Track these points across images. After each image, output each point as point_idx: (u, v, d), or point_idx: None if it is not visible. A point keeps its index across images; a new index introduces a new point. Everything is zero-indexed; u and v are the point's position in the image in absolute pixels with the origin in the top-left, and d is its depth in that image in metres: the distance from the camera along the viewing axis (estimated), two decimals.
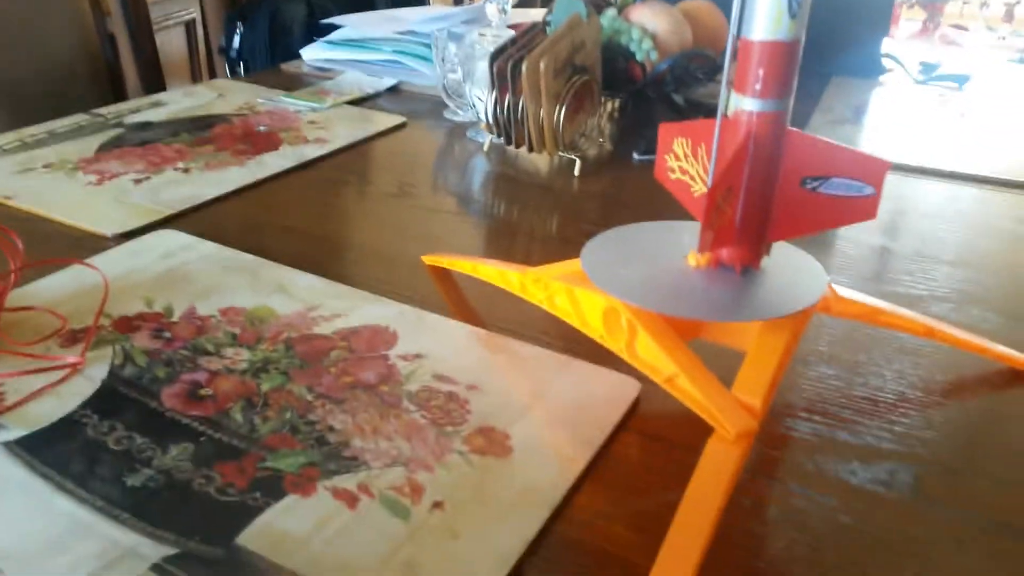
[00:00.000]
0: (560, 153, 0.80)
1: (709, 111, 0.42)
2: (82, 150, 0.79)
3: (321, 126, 0.90)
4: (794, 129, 0.39)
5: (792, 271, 0.43)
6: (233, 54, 1.21)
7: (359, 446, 0.40)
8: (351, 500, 0.36)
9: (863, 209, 0.39)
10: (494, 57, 0.78)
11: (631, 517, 0.37)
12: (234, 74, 1.24)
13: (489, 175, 0.82)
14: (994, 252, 0.67)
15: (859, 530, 0.37)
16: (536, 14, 1.15)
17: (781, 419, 0.44)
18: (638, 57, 0.79)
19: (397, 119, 0.94)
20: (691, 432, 0.39)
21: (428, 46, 1.11)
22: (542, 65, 0.74)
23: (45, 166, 0.75)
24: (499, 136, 0.82)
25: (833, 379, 0.48)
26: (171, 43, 2.10)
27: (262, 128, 0.88)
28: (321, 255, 0.62)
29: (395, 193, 0.76)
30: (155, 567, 0.32)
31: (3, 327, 0.48)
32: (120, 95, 1.20)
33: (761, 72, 0.37)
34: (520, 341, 0.50)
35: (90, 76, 1.15)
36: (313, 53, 1.16)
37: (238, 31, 1.20)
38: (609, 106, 0.81)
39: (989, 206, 0.77)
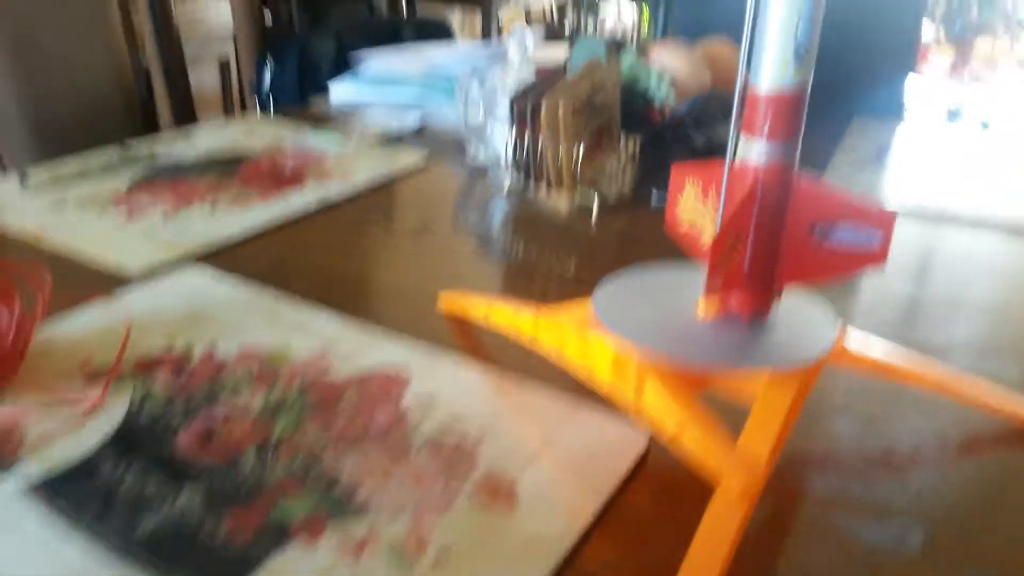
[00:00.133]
0: (578, 195, 0.80)
1: (726, 153, 0.42)
2: (114, 185, 0.82)
3: (345, 164, 0.92)
4: (803, 176, 0.39)
5: (804, 320, 0.43)
6: (264, 91, 1.24)
7: (367, 493, 0.40)
8: (356, 549, 0.37)
9: (872, 259, 0.39)
10: (514, 99, 0.79)
11: (638, 569, 0.37)
12: (264, 111, 1.27)
13: (509, 215, 0.83)
14: (1016, 302, 0.66)
15: None
16: (560, 52, 1.17)
17: (792, 472, 0.44)
18: (656, 100, 0.79)
19: (420, 158, 0.96)
20: (700, 484, 0.39)
21: (453, 84, 1.12)
22: (561, 105, 0.75)
23: (77, 202, 0.77)
24: (519, 175, 0.83)
25: (846, 431, 0.47)
26: (205, 79, 2.15)
27: (287, 167, 0.90)
28: (341, 293, 0.63)
29: (416, 231, 0.77)
30: None
31: (28, 363, 0.50)
32: (153, 129, 1.23)
33: (768, 119, 0.38)
34: (532, 384, 0.50)
35: (124, 110, 1.19)
36: (341, 90, 1.18)
37: (268, 68, 1.23)
38: (629, 146, 0.82)
39: (1012, 255, 0.76)
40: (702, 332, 0.40)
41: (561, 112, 0.75)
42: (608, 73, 0.81)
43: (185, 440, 0.44)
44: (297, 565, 0.36)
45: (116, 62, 1.16)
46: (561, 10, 4.25)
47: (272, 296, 0.60)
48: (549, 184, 0.81)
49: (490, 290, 0.66)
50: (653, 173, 0.87)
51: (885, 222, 0.38)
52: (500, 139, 0.88)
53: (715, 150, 0.84)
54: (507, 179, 0.87)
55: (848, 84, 1.16)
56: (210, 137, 0.99)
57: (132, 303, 0.58)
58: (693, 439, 0.38)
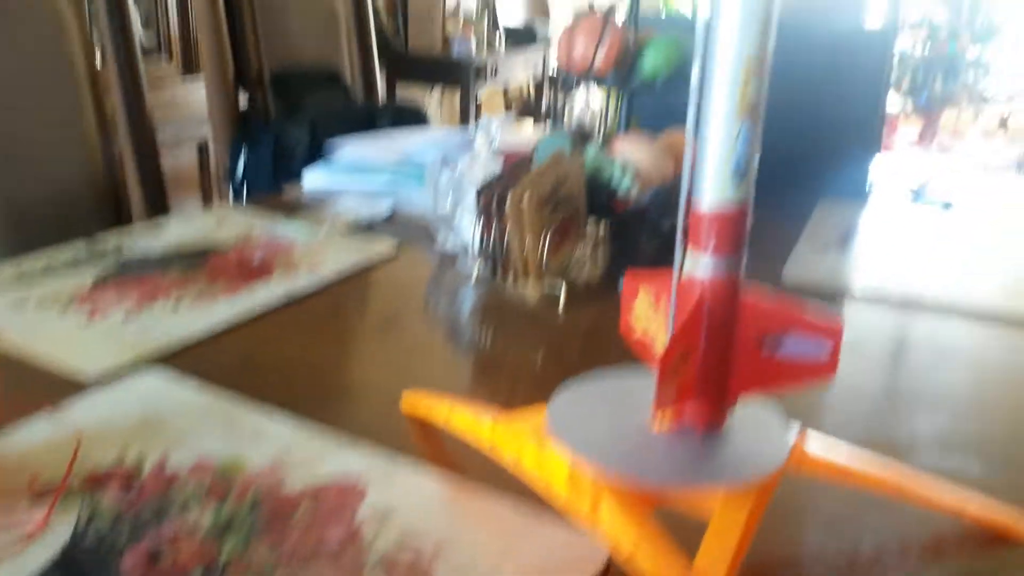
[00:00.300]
0: (545, 285, 0.81)
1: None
2: (79, 282, 0.81)
3: (314, 255, 0.92)
4: (749, 289, 0.40)
5: (759, 430, 0.42)
6: (237, 179, 1.25)
7: None
8: None
9: (822, 371, 0.39)
10: (480, 191, 0.80)
11: None
12: (238, 198, 1.28)
13: (476, 306, 0.83)
14: (979, 393, 0.66)
15: None
16: (534, 131, 1.19)
17: None
18: (620, 191, 0.81)
19: (389, 247, 0.96)
20: None
21: (424, 171, 1.14)
22: (525, 200, 0.76)
23: (39, 300, 0.76)
24: (487, 265, 0.83)
25: (807, 536, 0.47)
26: (183, 161, 2.17)
27: (255, 258, 0.90)
28: (303, 393, 0.62)
29: (383, 325, 0.77)
30: None
31: None
32: (124, 216, 1.23)
33: (712, 236, 0.38)
34: (493, 492, 0.49)
35: (94, 198, 1.19)
36: (314, 178, 1.19)
37: (242, 156, 1.24)
38: (595, 235, 0.83)
39: (974, 340, 0.76)
40: (656, 446, 0.40)
41: (525, 205, 0.76)
42: (572, 165, 0.82)
43: (130, 562, 0.42)
44: None
45: (88, 151, 1.17)
46: (538, 88, 4.35)
47: (230, 400, 0.59)
48: (516, 275, 0.81)
49: (456, 387, 0.66)
50: (620, 260, 0.88)
51: (833, 334, 0.38)
52: (468, 228, 0.88)
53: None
54: (475, 268, 0.87)
55: (812, 166, 1.18)
56: (180, 229, 0.99)
57: (86, 411, 0.57)
58: (648, 559, 0.37)
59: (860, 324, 0.81)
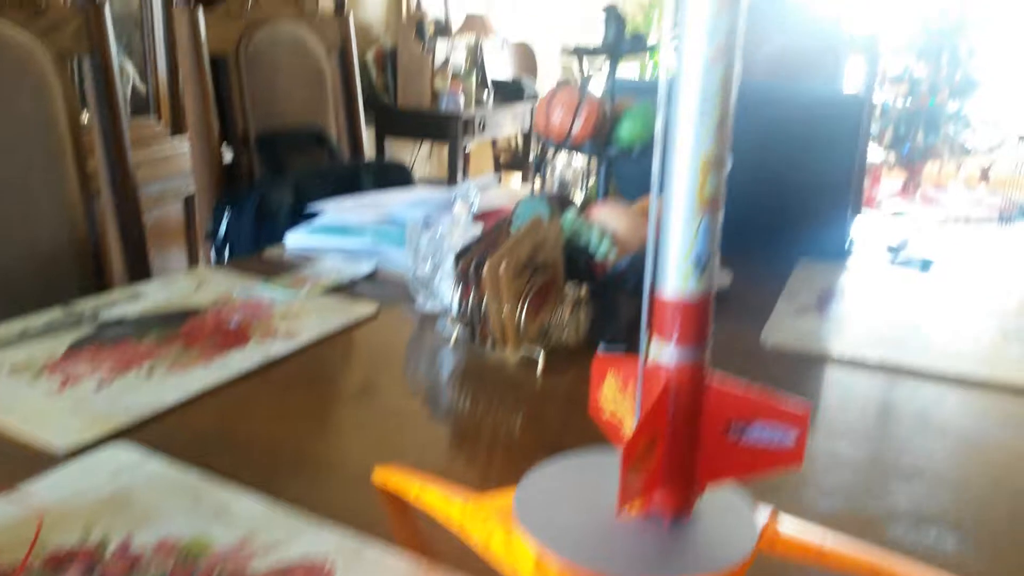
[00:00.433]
0: (524, 349, 0.81)
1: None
2: (52, 350, 0.80)
3: (293, 317, 0.92)
4: (714, 377, 0.39)
5: (727, 516, 0.42)
6: (219, 240, 1.25)
7: None
8: None
9: (789, 458, 0.39)
10: (458, 257, 0.81)
11: None
12: (220, 259, 1.28)
13: (455, 371, 0.82)
14: (956, 462, 0.66)
15: None
16: (512, 195, 1.20)
17: None
18: (597, 257, 0.81)
19: (369, 309, 0.96)
20: None
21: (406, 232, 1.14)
22: (502, 268, 0.76)
23: (12, 369, 0.75)
24: (466, 329, 0.83)
25: None
26: (169, 216, 2.18)
27: (233, 322, 0.89)
28: (272, 469, 0.61)
29: (356, 394, 0.76)
30: None
31: None
32: (105, 278, 1.23)
33: (675, 326, 0.38)
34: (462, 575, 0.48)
35: (75, 260, 1.19)
36: (296, 239, 1.19)
37: (225, 218, 1.24)
38: (574, 299, 0.83)
39: (952, 407, 0.76)
40: (623, 536, 0.39)
41: (503, 273, 0.76)
42: (551, 231, 0.82)
43: None
44: None
45: (69, 213, 1.17)
46: (526, 139, 4.41)
47: (199, 475, 0.58)
48: (494, 340, 0.81)
49: (433, 456, 0.65)
50: (600, 324, 0.88)
51: (799, 422, 0.38)
52: (447, 291, 0.89)
53: None
54: (454, 331, 0.87)
55: (791, 226, 1.20)
56: (158, 292, 0.99)
57: (50, 488, 0.56)
58: None
59: (838, 390, 0.81)
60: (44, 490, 0.56)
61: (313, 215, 1.23)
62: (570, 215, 0.85)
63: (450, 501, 0.50)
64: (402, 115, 3.54)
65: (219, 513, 0.54)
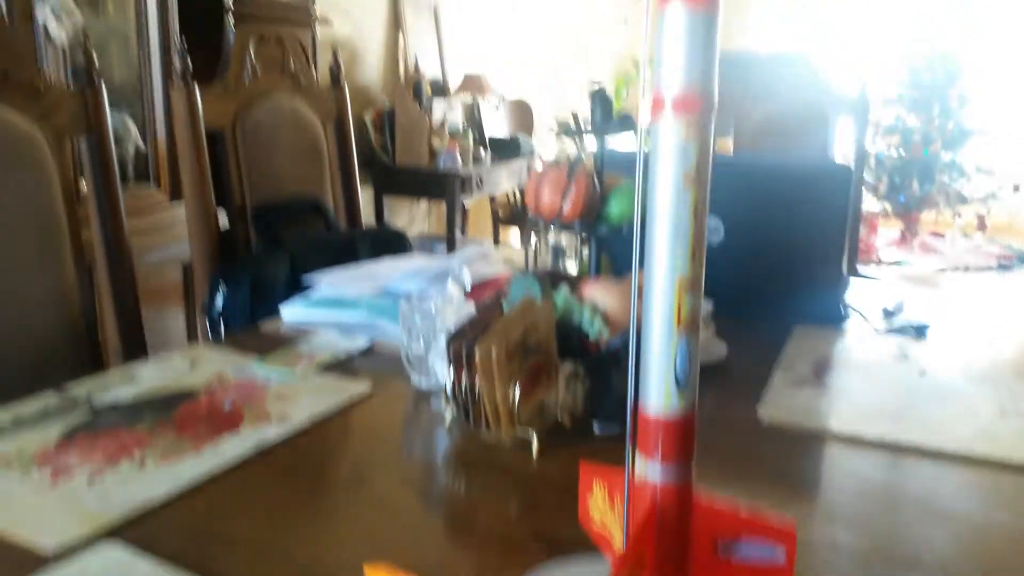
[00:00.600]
0: (517, 432, 0.80)
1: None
2: (43, 439, 0.80)
3: (287, 398, 0.91)
4: (700, 495, 0.39)
5: None
6: (215, 314, 1.26)
7: None
8: None
9: (779, 573, 0.39)
10: (450, 340, 0.81)
11: None
12: (215, 332, 1.28)
13: (449, 454, 0.82)
14: (957, 550, 0.65)
15: None
16: (505, 262, 1.20)
17: None
18: (590, 336, 0.81)
19: (363, 387, 0.95)
20: None
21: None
22: (494, 351, 0.76)
23: (3, 463, 0.75)
24: (459, 411, 0.83)
25: None
26: (168, 282, 2.19)
27: (227, 403, 0.89)
28: (258, 571, 0.60)
29: (349, 483, 0.76)
30: None
31: None
32: (99, 351, 1.23)
33: (660, 443, 0.38)
34: None
35: (69, 335, 1.19)
36: (292, 312, 1.20)
37: (220, 292, 1.25)
38: (567, 378, 0.83)
39: (949, 488, 0.75)
40: None
41: (495, 357, 0.76)
42: (542, 312, 0.83)
43: None
44: None
45: (64, 291, 1.18)
46: (523, 195, 4.44)
47: None
48: (488, 422, 0.80)
49: (425, 554, 0.64)
50: (594, 402, 0.87)
51: (786, 537, 0.38)
52: (441, 369, 0.88)
53: None
54: (448, 413, 0.86)
55: (784, 293, 1.20)
56: (153, 373, 0.98)
57: None
58: None
59: (836, 470, 0.80)
60: None
61: (309, 287, 1.24)
62: (562, 294, 0.85)
63: None
64: (400, 174, 3.58)
65: None
